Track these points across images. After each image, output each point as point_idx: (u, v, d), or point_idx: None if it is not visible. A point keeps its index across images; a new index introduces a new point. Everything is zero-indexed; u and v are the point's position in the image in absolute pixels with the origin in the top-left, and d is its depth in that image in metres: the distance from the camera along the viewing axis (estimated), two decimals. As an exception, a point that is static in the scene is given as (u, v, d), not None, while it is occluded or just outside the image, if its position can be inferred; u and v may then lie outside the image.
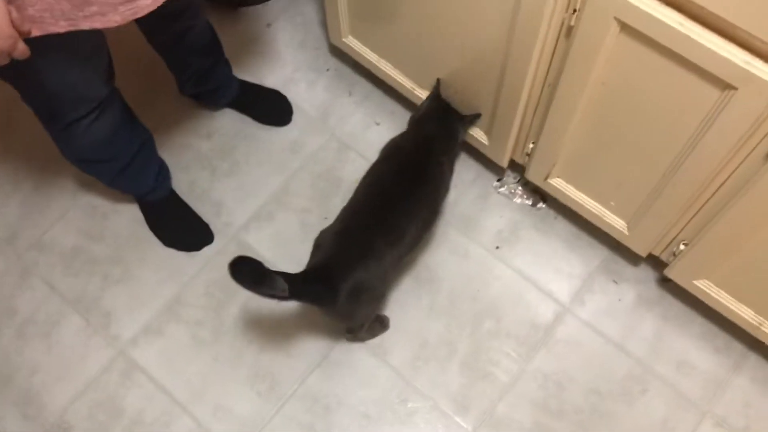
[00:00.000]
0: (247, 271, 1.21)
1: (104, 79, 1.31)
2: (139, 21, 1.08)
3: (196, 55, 1.66)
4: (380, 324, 1.63)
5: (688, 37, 1.02)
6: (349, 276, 1.32)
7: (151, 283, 1.70)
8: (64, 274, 1.71)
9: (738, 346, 1.61)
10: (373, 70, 1.78)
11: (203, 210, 1.76)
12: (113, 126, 1.42)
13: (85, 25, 1.01)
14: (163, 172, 1.69)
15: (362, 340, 1.62)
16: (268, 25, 2.01)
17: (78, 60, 1.20)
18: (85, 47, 1.20)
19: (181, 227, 1.75)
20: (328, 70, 1.95)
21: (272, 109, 1.87)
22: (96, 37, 1.20)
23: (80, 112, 1.31)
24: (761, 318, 1.44)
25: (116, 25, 1.03)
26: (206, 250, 1.73)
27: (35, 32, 0.98)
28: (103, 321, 1.66)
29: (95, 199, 1.79)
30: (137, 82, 1.86)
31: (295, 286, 1.24)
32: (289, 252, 1.72)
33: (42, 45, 1.01)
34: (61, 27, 1.00)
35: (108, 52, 1.29)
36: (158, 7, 1.06)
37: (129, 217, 1.77)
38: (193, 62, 1.68)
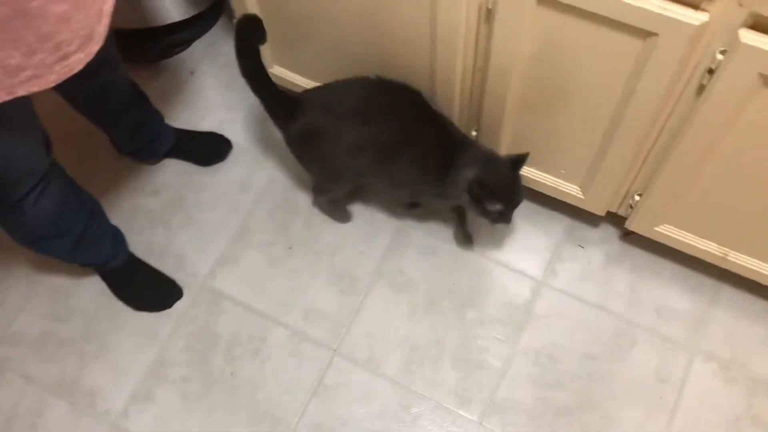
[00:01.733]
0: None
1: (44, 150, 1.29)
2: (58, 84, 1.07)
3: (124, 109, 1.65)
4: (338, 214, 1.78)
5: (601, -4, 1.07)
6: (304, 115, 1.48)
7: (130, 350, 1.67)
8: (38, 362, 1.66)
9: (709, 281, 1.67)
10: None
11: (166, 267, 1.74)
12: (60, 198, 1.40)
13: (22, 91, 1.00)
14: (118, 237, 1.66)
15: (320, 205, 1.77)
16: (192, 72, 2.01)
17: (21, 132, 1.18)
18: (25, 117, 1.18)
19: (147, 289, 1.72)
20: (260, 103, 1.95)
21: (212, 149, 1.87)
22: (29, 105, 1.19)
23: (26, 188, 1.29)
24: (725, 249, 1.50)
25: (53, 84, 1.02)
26: (178, 305, 1.71)
27: None
28: (89, 400, 1.62)
29: (55, 281, 1.75)
30: (72, 153, 1.83)
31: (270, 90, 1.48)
32: (261, 289, 1.71)
33: None
34: None
35: (39, 120, 1.28)
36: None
37: (93, 290, 1.73)
38: (123, 117, 1.67)
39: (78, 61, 1.03)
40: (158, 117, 1.77)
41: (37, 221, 1.39)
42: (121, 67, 1.56)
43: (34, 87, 1.01)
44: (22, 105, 1.13)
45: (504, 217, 1.51)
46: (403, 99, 1.47)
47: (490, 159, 1.49)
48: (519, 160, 1.47)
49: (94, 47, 1.05)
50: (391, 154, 1.47)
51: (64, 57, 1.02)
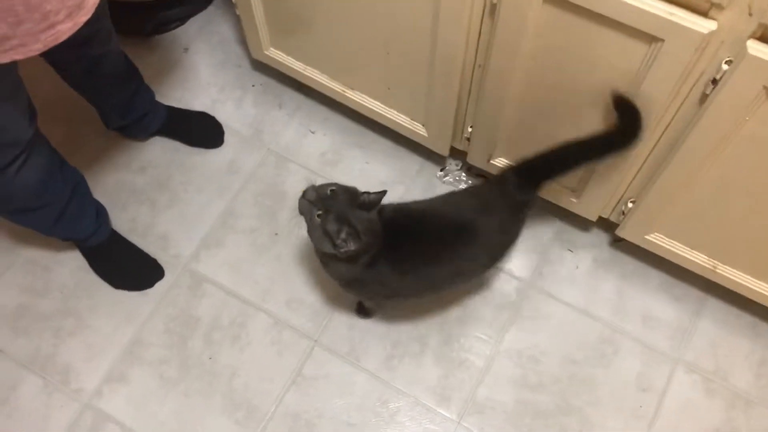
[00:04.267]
0: None
1: (28, 119, 1.26)
2: (49, 54, 1.05)
3: (115, 83, 1.61)
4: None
5: (610, -3, 1.05)
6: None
7: (107, 329, 1.64)
8: (12, 336, 1.63)
9: (696, 292, 1.66)
10: (301, 79, 1.76)
11: (149, 246, 1.71)
12: (43, 170, 1.36)
13: (6, 59, 0.97)
14: (101, 213, 1.63)
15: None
16: (186, 49, 1.97)
17: (4, 98, 1.15)
18: (9, 84, 1.15)
19: (128, 267, 1.69)
20: (253, 86, 1.93)
21: (203, 131, 1.84)
22: (14, 72, 1.16)
23: (8, 158, 1.25)
24: (714, 261, 1.49)
25: (37, 53, 1.00)
26: (159, 286, 1.68)
27: None
28: (62, 377, 1.59)
29: (34, 253, 1.71)
30: (59, 125, 1.79)
31: None
32: (245, 274, 1.69)
33: None
34: None
35: (25, 89, 1.24)
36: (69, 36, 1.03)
37: (72, 265, 1.70)
38: (113, 92, 1.63)
39: (64, 30, 1.01)
40: (150, 94, 1.74)
41: (17, 193, 1.36)
42: (115, 40, 1.53)
43: (18, 55, 0.98)
44: (6, 71, 1.10)
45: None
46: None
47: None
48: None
49: (83, 17, 1.02)
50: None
51: (51, 26, 0.99)
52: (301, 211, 1.25)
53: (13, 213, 1.45)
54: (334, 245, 1.21)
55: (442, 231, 1.34)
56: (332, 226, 1.20)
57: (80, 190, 1.53)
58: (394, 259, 1.31)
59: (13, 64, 1.11)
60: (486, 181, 1.34)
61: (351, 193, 1.24)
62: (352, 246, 1.20)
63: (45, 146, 1.39)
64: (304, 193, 1.24)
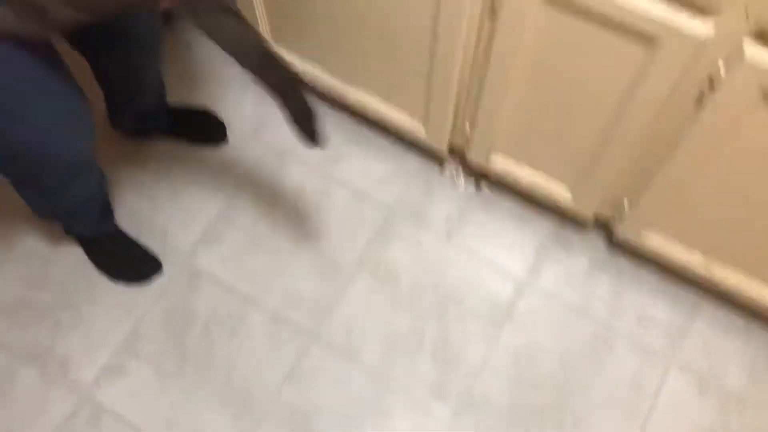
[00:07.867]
0: None
1: (90, 142, 1.32)
2: (105, 48, 1.07)
3: (148, 95, 1.63)
4: None
5: (609, -2, 1.06)
6: None
7: (105, 322, 1.65)
8: (10, 328, 1.64)
9: (691, 295, 1.67)
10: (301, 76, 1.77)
11: (148, 240, 1.72)
12: (91, 187, 1.46)
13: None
14: (107, 207, 1.64)
15: None
16: (187, 46, 1.98)
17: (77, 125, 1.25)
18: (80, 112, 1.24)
19: (127, 261, 1.70)
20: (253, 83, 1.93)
21: (205, 128, 1.85)
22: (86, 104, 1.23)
23: (66, 177, 1.35)
24: (709, 260, 1.50)
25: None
26: (157, 279, 1.69)
27: None
28: (61, 369, 1.60)
29: (33, 245, 1.72)
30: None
31: None
32: (243, 268, 1.70)
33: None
34: None
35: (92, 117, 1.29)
36: (132, 35, 1.16)
37: (71, 258, 1.71)
38: (141, 101, 1.64)
39: None
40: (164, 106, 1.75)
41: (63, 204, 1.44)
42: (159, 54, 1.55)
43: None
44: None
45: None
46: None
47: None
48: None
49: None
50: None
51: None
52: None
53: (50, 218, 1.51)
54: None
55: None
56: None
57: (101, 190, 1.56)
58: None
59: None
60: None
61: None
62: None
63: (95, 164, 1.45)
64: None
